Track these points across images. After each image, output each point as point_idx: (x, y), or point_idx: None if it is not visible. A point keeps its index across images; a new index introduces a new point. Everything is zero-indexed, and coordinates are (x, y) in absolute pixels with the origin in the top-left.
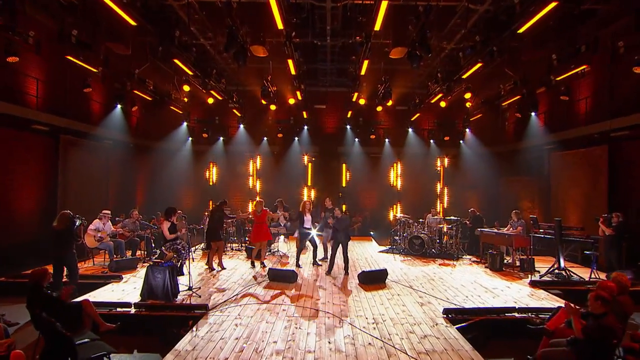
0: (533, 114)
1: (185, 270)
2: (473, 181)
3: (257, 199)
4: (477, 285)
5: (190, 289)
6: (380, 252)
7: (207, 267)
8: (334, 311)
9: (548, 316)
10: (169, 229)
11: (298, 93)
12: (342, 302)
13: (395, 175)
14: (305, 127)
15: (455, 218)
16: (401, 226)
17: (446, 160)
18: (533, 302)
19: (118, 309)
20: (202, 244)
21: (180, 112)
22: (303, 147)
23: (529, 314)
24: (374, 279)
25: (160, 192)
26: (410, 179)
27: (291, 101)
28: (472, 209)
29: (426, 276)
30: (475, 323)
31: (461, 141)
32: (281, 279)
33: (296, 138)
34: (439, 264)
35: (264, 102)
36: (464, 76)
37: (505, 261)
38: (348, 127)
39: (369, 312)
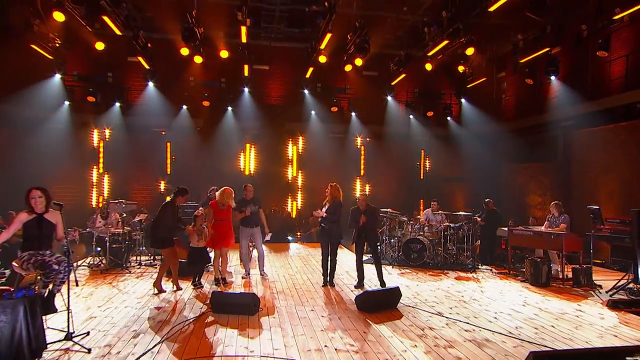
0: (553, 78)
1: (60, 302)
2: (467, 168)
3: (220, 188)
4: (533, 308)
5: (69, 337)
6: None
7: (155, 289)
8: None
9: None
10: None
11: (243, 31)
12: (349, 348)
13: (363, 161)
14: (246, 90)
15: (467, 214)
16: (388, 226)
17: (426, 143)
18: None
19: None
20: (99, 259)
21: (50, 57)
22: (240, 121)
23: None
24: (381, 303)
25: (16, 183)
26: (384, 167)
27: (224, 54)
28: (489, 200)
29: (450, 296)
30: None
31: (449, 118)
32: (234, 308)
33: (229, 108)
34: (455, 278)
35: (184, 51)
36: (492, 8)
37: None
38: (306, 92)
39: None
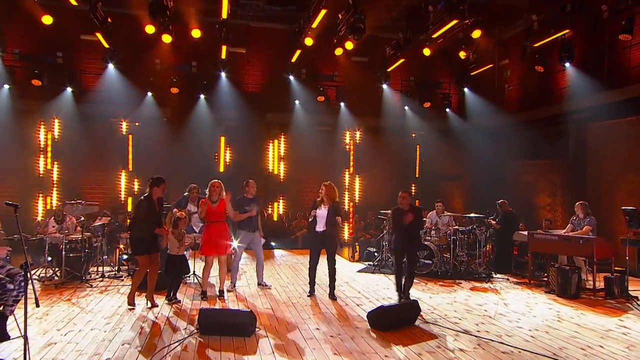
0: (568, 64)
1: (13, 325)
2: (467, 166)
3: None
4: (570, 324)
5: None
6: (360, 271)
7: (128, 306)
8: None
9: None
10: None
11: (224, 4)
12: None
13: (353, 157)
14: (223, 75)
15: (478, 216)
16: (389, 230)
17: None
18: None
19: None
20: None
21: None
22: (214, 111)
23: None
24: (398, 320)
25: None
26: (375, 163)
27: (196, 34)
28: (503, 200)
29: (471, 310)
30: None
31: (447, 109)
32: (227, 329)
33: (202, 96)
34: (470, 289)
35: (150, 29)
36: None
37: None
38: (291, 78)
39: None
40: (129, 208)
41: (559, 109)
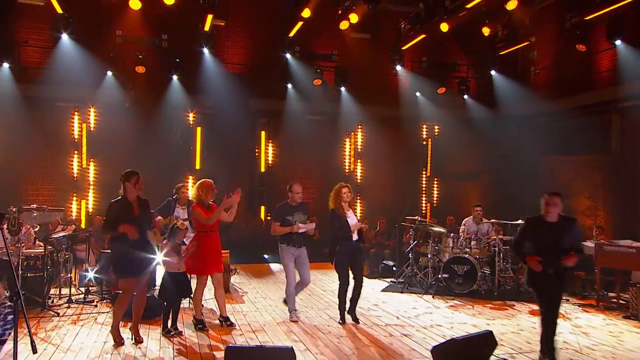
0: (619, 42)
1: None
2: (488, 162)
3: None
4: None
5: None
6: (385, 290)
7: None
8: None
9: None
10: None
11: None
12: None
13: (353, 155)
14: (206, 51)
15: (517, 222)
16: (420, 240)
17: (436, 129)
18: None
19: None
20: None
21: None
22: (190, 95)
23: None
24: (470, 357)
25: None
26: (379, 160)
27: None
28: None
29: None
30: None
31: (466, 96)
32: None
33: (174, 77)
34: (529, 312)
35: None
36: None
37: None
38: (288, 56)
39: None
40: (83, 215)
41: (601, 96)
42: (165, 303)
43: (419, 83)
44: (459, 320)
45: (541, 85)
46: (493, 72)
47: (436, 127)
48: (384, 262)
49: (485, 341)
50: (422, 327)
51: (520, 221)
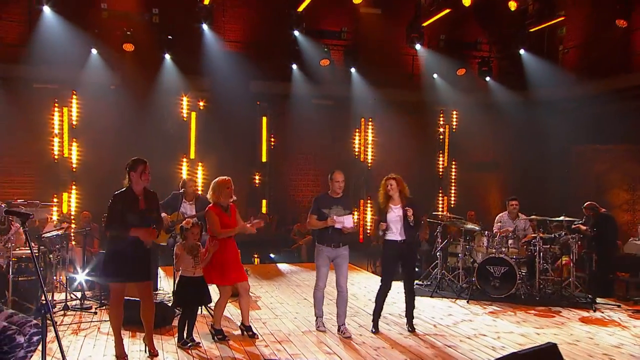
0: None
1: None
2: (511, 152)
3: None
4: None
5: None
6: None
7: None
8: None
9: None
10: None
11: None
12: None
13: (364, 143)
14: (205, 28)
15: (570, 219)
16: (451, 239)
17: (454, 115)
18: None
19: None
20: None
21: None
22: (184, 76)
23: None
24: None
25: None
26: (392, 148)
27: None
28: (590, 203)
29: (611, 356)
30: None
31: (488, 78)
32: None
33: (167, 56)
34: (580, 320)
35: None
36: None
37: None
38: (296, 34)
39: None
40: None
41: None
42: (179, 311)
43: (437, 64)
44: (503, 328)
45: (571, 66)
46: (522, 52)
47: (454, 112)
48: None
49: (550, 356)
50: (466, 337)
51: (563, 217)
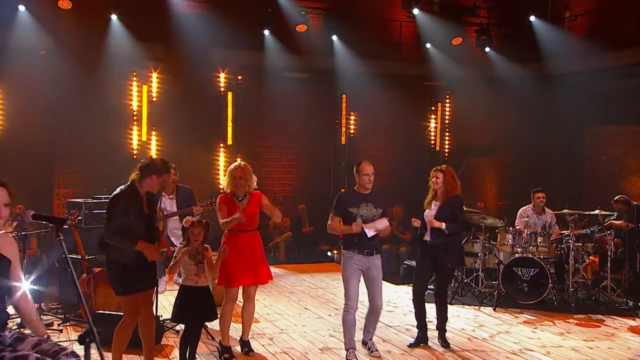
0: None
1: None
2: (512, 133)
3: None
4: None
5: None
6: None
7: None
8: None
9: None
10: None
11: None
12: None
13: (345, 120)
14: None
15: (606, 213)
16: (471, 236)
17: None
18: None
19: None
20: None
21: None
22: (134, 42)
23: None
24: None
25: None
26: (378, 129)
27: None
28: (621, 196)
29: None
30: None
31: (487, 48)
32: None
33: (114, 16)
34: (629, 329)
35: None
36: None
37: None
38: None
39: None
40: None
41: None
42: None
43: (430, 32)
44: (548, 342)
45: (579, 36)
46: (526, 19)
47: (447, 88)
48: (405, 262)
49: None
50: (511, 353)
51: (598, 211)
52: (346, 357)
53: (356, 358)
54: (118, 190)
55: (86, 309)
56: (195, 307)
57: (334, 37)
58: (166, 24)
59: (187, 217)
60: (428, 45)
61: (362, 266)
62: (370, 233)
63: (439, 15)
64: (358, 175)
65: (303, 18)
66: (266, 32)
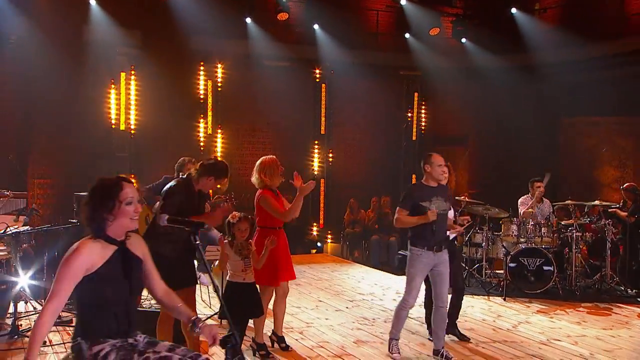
0: None
1: None
2: (485, 126)
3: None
4: None
5: None
6: None
7: None
8: None
9: None
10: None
11: None
12: None
13: (324, 111)
14: None
15: (608, 204)
16: (476, 227)
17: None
18: None
19: None
20: None
21: None
22: (112, 30)
23: None
24: None
25: None
26: (357, 119)
27: None
28: (630, 184)
29: None
30: None
31: (464, 39)
32: None
33: (92, 2)
34: (638, 317)
35: None
36: None
37: None
38: None
39: None
40: None
41: (635, 43)
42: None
43: (408, 22)
44: (570, 331)
45: (553, 26)
46: (514, 10)
47: (423, 77)
48: (400, 252)
49: None
50: (541, 344)
51: (597, 202)
52: (389, 345)
53: (399, 350)
54: (174, 182)
55: (225, 310)
56: (243, 304)
57: (316, 26)
58: (143, 9)
59: (233, 213)
60: (407, 35)
61: (430, 262)
62: (453, 235)
63: (419, 4)
64: (430, 166)
65: (284, 6)
66: (248, 19)
